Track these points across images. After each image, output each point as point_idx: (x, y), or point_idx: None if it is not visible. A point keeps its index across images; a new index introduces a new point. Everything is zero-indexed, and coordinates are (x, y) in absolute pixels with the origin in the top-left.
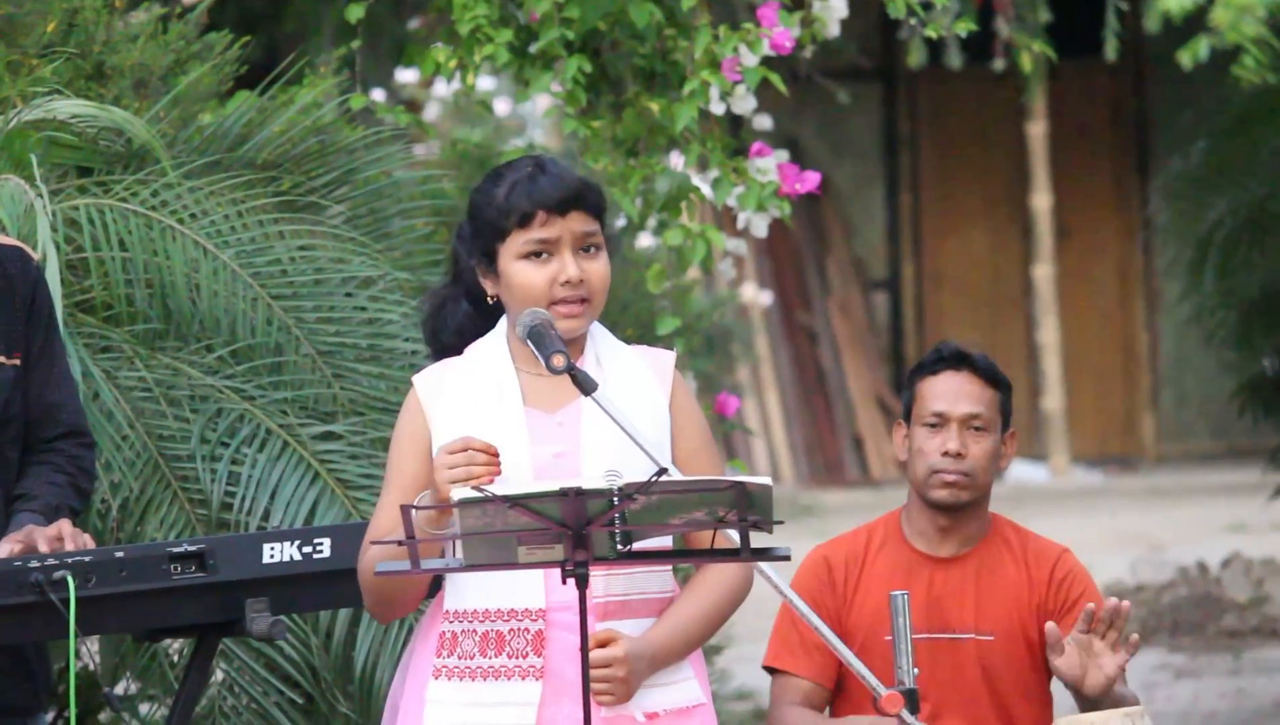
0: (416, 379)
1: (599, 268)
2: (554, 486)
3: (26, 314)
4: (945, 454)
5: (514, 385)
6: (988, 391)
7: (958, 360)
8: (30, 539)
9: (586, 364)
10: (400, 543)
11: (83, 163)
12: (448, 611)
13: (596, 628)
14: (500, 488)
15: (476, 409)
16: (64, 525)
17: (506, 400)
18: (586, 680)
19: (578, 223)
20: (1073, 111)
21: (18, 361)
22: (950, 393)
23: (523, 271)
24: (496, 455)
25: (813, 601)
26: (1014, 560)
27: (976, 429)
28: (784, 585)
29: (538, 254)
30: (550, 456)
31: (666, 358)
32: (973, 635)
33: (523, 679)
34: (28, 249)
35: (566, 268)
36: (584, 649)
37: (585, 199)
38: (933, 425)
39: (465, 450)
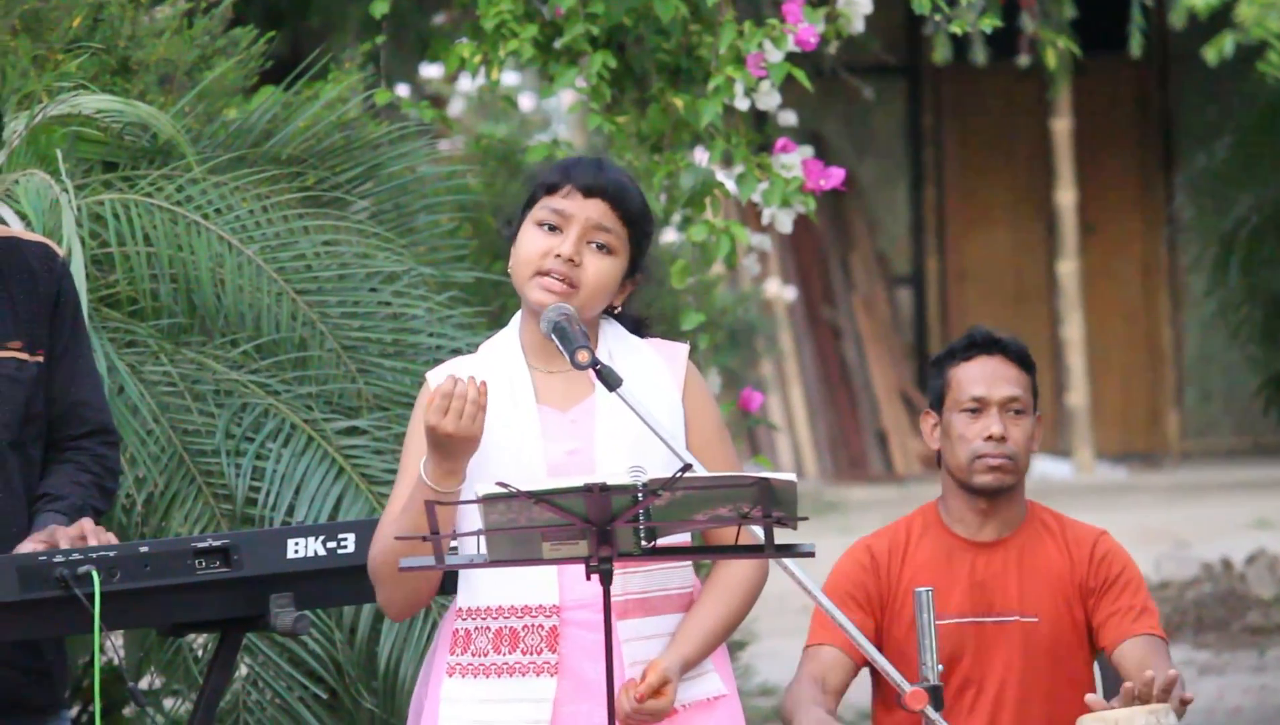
0: (430, 375)
1: (600, 265)
2: (579, 482)
3: (51, 311)
4: (989, 438)
5: (526, 383)
6: (1022, 374)
7: (990, 345)
8: (53, 539)
9: (600, 359)
10: (424, 538)
11: (108, 158)
12: (461, 609)
13: (619, 625)
14: (524, 484)
15: (490, 407)
16: (86, 524)
17: (519, 398)
18: (611, 678)
19: (596, 211)
20: (1097, 107)
21: (40, 358)
22: (988, 377)
23: (529, 234)
24: (483, 392)
25: (856, 587)
26: (1055, 543)
27: (1016, 412)
28: (808, 580)
29: (551, 227)
30: (563, 454)
31: (680, 349)
32: (1018, 618)
33: (538, 675)
34: (53, 245)
35: (565, 244)
36: (608, 642)
37: (615, 194)
38: (972, 411)
39: (441, 401)
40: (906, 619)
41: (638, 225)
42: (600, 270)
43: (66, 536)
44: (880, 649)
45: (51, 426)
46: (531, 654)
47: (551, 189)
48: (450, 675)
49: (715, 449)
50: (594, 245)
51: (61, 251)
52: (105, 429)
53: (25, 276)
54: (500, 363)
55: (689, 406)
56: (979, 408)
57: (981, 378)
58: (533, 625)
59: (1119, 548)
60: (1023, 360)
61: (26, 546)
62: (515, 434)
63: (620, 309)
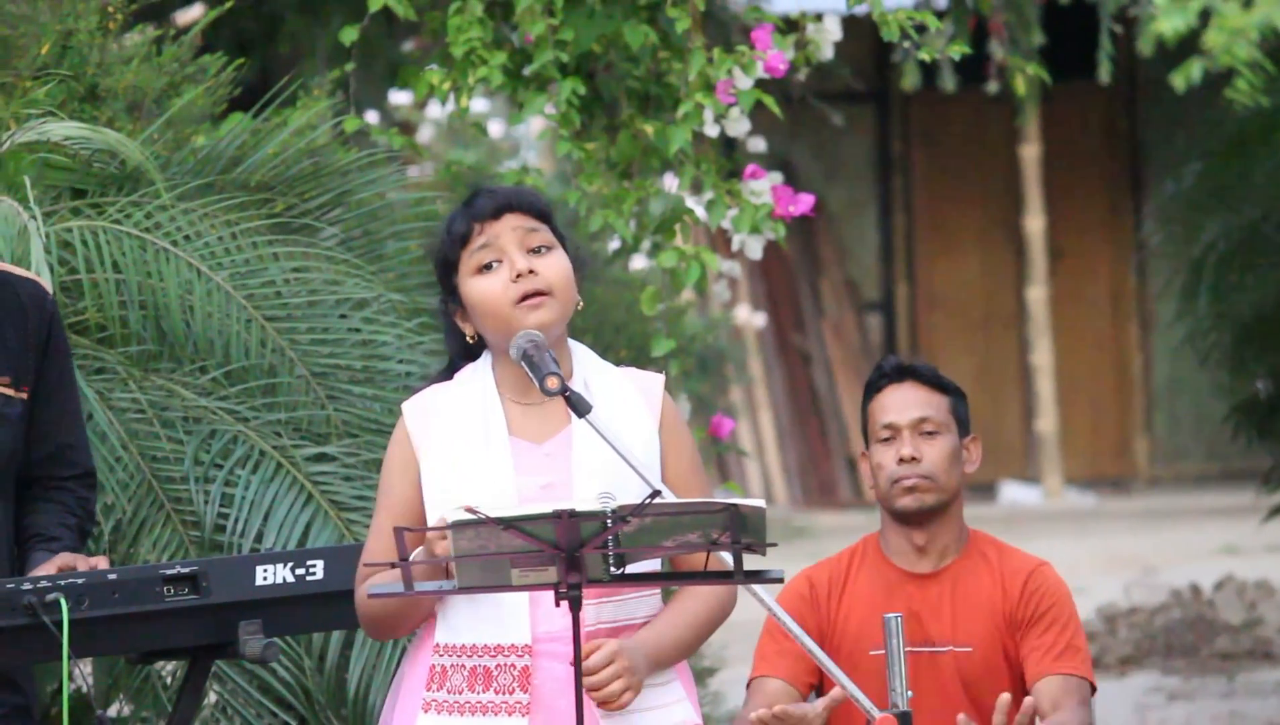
0: (405, 407)
1: (553, 263)
2: (548, 508)
3: (42, 349)
4: (901, 461)
5: (499, 416)
6: (935, 396)
7: (900, 373)
8: (71, 565)
9: (574, 387)
10: (393, 565)
11: (76, 185)
12: (438, 644)
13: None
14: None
15: (463, 440)
16: (102, 561)
17: (491, 431)
18: (581, 705)
19: (514, 221)
20: (1066, 134)
21: (25, 395)
22: (896, 403)
23: (477, 286)
24: None
25: (795, 618)
26: (990, 573)
27: (928, 433)
28: (776, 607)
29: (487, 266)
30: (537, 488)
31: (655, 380)
32: (951, 648)
33: (509, 715)
34: (44, 283)
35: (515, 263)
36: (578, 673)
37: (518, 202)
38: (886, 439)
39: None
40: (846, 649)
41: (552, 219)
42: (555, 266)
43: (87, 564)
44: (821, 680)
45: (36, 465)
46: (504, 694)
47: (465, 239)
48: (426, 711)
49: (692, 481)
50: (535, 250)
51: (50, 290)
52: (90, 472)
53: (15, 313)
54: (474, 394)
55: (666, 439)
56: (891, 435)
57: (891, 405)
58: (505, 665)
59: (1055, 581)
60: (936, 383)
61: (46, 570)
62: (487, 468)
63: (582, 305)
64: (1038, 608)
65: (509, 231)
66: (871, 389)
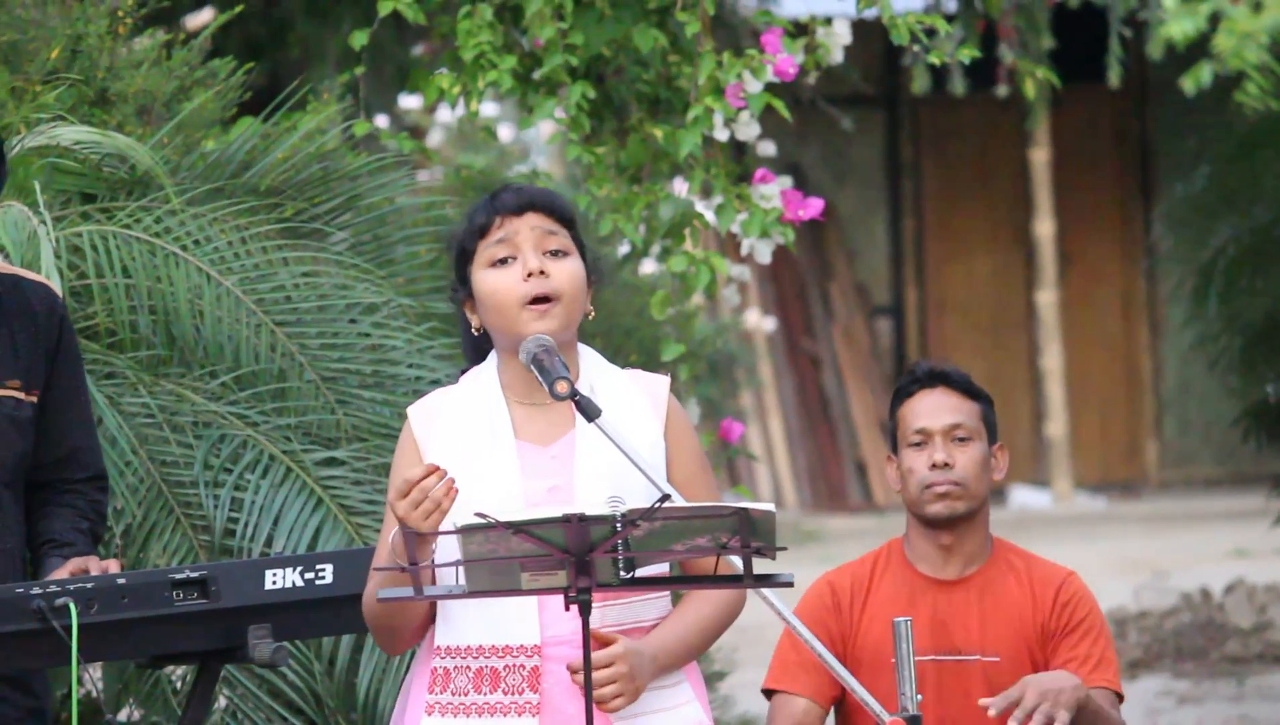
0: (411, 411)
1: (566, 267)
2: (557, 512)
3: (52, 353)
4: (934, 467)
5: (505, 418)
6: (966, 402)
7: (932, 378)
8: (85, 567)
9: (580, 391)
10: (403, 569)
11: (86, 189)
12: (439, 647)
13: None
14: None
15: (468, 443)
16: (115, 565)
17: (498, 434)
18: (591, 707)
19: (535, 220)
20: (1076, 138)
21: (35, 399)
22: (929, 409)
23: (488, 279)
24: (437, 470)
25: (817, 624)
26: (1018, 582)
27: (960, 439)
28: (786, 610)
29: (502, 261)
30: (544, 491)
31: (661, 383)
32: (979, 657)
33: (519, 715)
34: (54, 287)
35: (527, 261)
36: (587, 675)
37: (541, 202)
38: (917, 444)
39: (410, 491)
40: (867, 657)
41: (576, 225)
42: (567, 270)
43: (100, 567)
44: (844, 693)
45: (48, 468)
46: (513, 694)
47: (484, 231)
48: (430, 714)
49: (698, 483)
50: (550, 252)
51: (60, 295)
52: (101, 474)
53: (26, 316)
54: (480, 397)
55: (671, 441)
56: (923, 440)
57: (924, 411)
58: (514, 665)
59: (1085, 591)
60: (967, 389)
61: (60, 576)
62: (494, 471)
63: (593, 314)
64: (1071, 618)
65: (528, 230)
66: (902, 393)
